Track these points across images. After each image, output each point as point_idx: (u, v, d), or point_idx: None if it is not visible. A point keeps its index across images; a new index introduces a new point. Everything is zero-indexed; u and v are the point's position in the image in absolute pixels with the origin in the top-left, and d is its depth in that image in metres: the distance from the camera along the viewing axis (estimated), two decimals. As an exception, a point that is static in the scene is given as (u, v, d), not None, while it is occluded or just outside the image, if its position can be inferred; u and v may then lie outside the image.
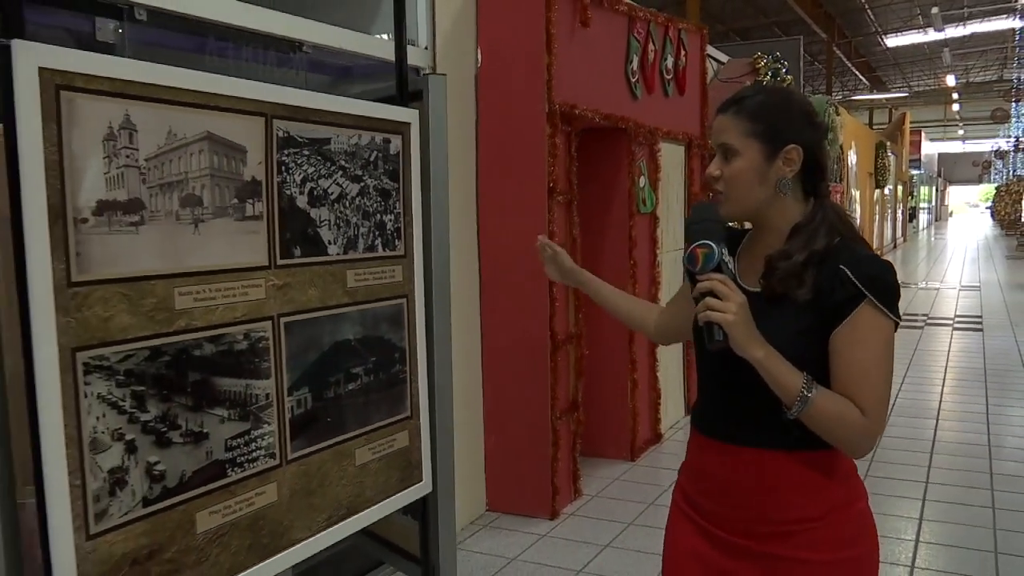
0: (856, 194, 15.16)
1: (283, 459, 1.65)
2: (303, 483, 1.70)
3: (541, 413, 4.05)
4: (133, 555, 1.36)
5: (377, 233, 1.88)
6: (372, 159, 1.85)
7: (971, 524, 3.86)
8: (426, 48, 3.76)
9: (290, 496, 1.67)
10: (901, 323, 1.41)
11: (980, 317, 10.57)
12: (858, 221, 15.63)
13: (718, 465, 1.52)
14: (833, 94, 23.75)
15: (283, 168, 1.62)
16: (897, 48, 26.18)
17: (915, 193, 31.20)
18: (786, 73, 7.76)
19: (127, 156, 1.33)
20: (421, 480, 2.05)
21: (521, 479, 4.13)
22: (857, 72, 28.13)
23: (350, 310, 1.81)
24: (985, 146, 47.36)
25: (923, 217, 37.21)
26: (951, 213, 57.10)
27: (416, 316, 2.01)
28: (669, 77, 5.28)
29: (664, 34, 5.16)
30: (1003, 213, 34.31)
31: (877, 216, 19.15)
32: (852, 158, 14.24)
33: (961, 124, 43.61)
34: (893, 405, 6.14)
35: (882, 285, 1.38)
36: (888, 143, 18.91)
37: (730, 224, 1.52)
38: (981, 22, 22.36)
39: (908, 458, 4.89)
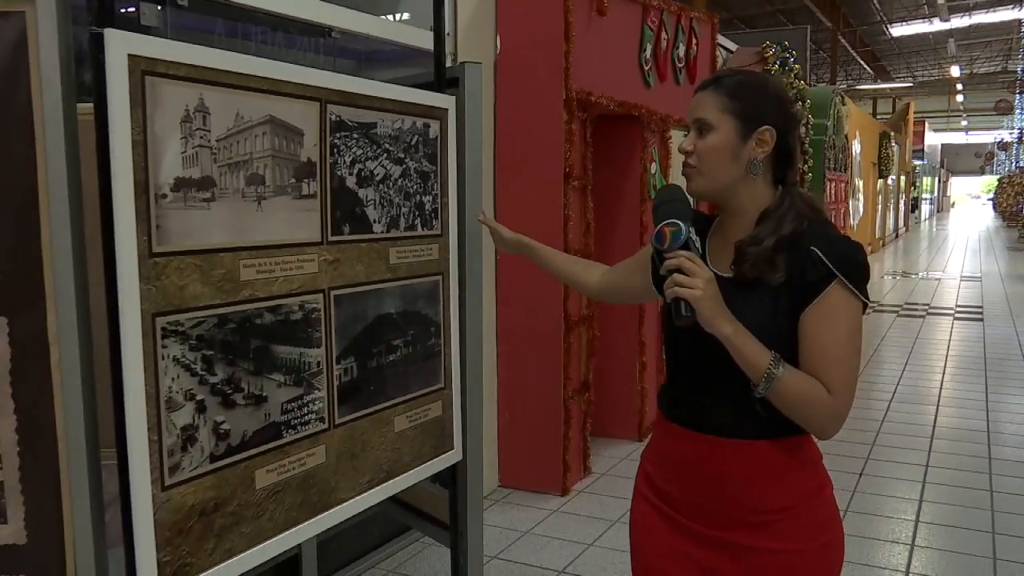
0: (859, 184, 15.22)
1: (331, 423, 1.76)
2: (348, 446, 1.82)
3: (554, 392, 4.16)
4: (201, 506, 1.48)
5: (416, 213, 1.98)
6: (413, 143, 1.95)
7: (969, 506, 3.99)
8: (448, 34, 3.85)
9: (336, 458, 1.78)
10: (869, 304, 1.42)
11: (981, 307, 10.68)
12: (860, 211, 15.71)
13: (687, 452, 1.49)
14: (837, 83, 23.76)
15: (335, 150, 1.72)
16: (902, 37, 26.16)
17: (917, 183, 31.23)
18: (794, 62, 7.83)
19: (201, 137, 1.43)
20: (452, 448, 2.16)
21: (533, 456, 4.25)
22: (862, 61, 28.12)
23: (392, 285, 1.92)
24: (988, 137, 47.34)
25: (925, 208, 37.26)
26: (953, 204, 57.11)
27: (450, 293, 2.11)
28: (681, 65, 5.36)
29: (676, 23, 5.25)
30: (1005, 204, 34.37)
31: (880, 206, 19.23)
32: (856, 148, 14.30)
33: (965, 115, 43.57)
34: (895, 390, 6.27)
35: (852, 265, 1.38)
36: (892, 133, 18.95)
37: (699, 210, 1.53)
38: (987, 12, 22.34)
39: (909, 442, 5.01)
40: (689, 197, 1.47)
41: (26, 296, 1.31)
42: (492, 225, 2.06)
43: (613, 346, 4.90)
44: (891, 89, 32.90)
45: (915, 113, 27.14)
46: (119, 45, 1.28)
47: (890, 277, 14.58)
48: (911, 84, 33.48)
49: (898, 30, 24.67)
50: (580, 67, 4.08)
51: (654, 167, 5.03)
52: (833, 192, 9.97)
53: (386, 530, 3.60)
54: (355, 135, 1.78)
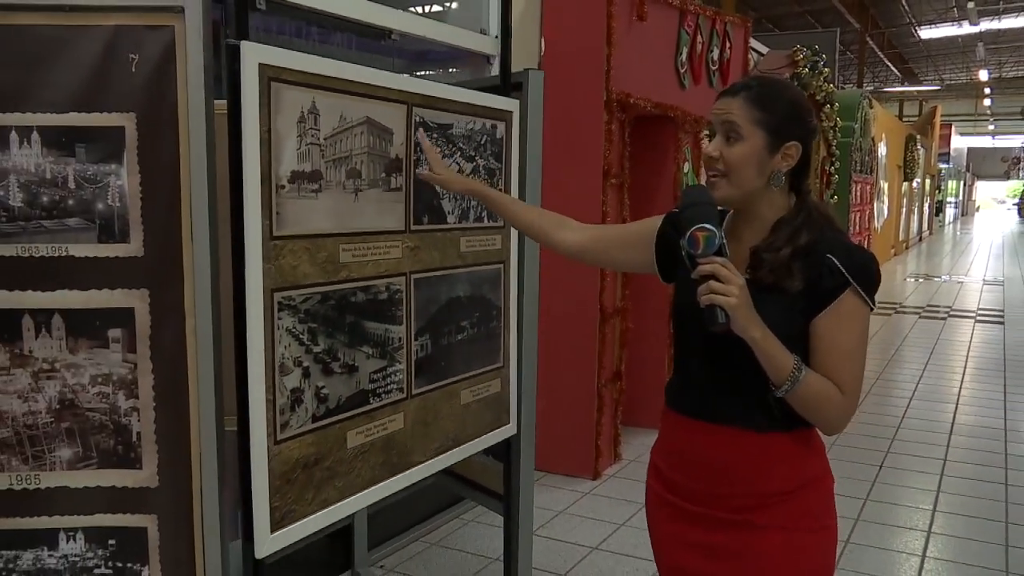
0: (884, 186, 15.27)
1: (409, 393, 1.96)
2: (421, 415, 2.01)
3: (588, 380, 4.35)
4: (304, 460, 1.68)
5: (483, 206, 2.17)
6: (482, 142, 2.14)
7: (985, 497, 4.14)
8: (496, 37, 4.04)
9: (412, 425, 1.98)
10: (874, 310, 1.46)
11: (1002, 311, 10.75)
12: (885, 213, 15.76)
13: (698, 444, 1.53)
14: (864, 84, 23.71)
15: (417, 148, 1.92)
16: (930, 40, 26.01)
17: (942, 187, 31.08)
18: (824, 66, 7.94)
19: (312, 135, 1.63)
20: (509, 423, 2.35)
21: (566, 441, 4.44)
22: (889, 63, 28.01)
23: (461, 271, 2.11)
24: (1015, 142, 46.90)
25: (949, 211, 37.03)
26: (978, 208, 56.61)
27: (510, 280, 2.30)
28: (715, 68, 5.52)
29: (711, 27, 5.40)
30: (1030, 210, 34.09)
31: (904, 209, 19.23)
32: (882, 150, 14.36)
33: (992, 119, 43.21)
34: (915, 389, 6.40)
35: (866, 274, 1.42)
36: (918, 136, 18.94)
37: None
38: (1017, 16, 22.21)
39: (928, 438, 5.16)
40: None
41: (167, 272, 1.51)
42: (437, 179, 1.83)
43: (642, 338, 5.07)
44: (918, 92, 32.73)
45: (942, 116, 27.03)
46: (252, 55, 1.48)
47: (912, 280, 14.64)
48: (939, 87, 33.29)
49: (927, 33, 24.55)
50: (620, 70, 4.26)
51: (687, 166, 5.20)
52: (858, 194, 10.07)
53: (428, 505, 3.80)
54: (435, 134, 1.97)
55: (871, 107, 10.96)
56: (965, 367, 7.26)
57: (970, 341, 8.53)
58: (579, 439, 4.41)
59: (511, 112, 2.25)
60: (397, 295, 1.90)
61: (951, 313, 10.48)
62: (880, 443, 5.00)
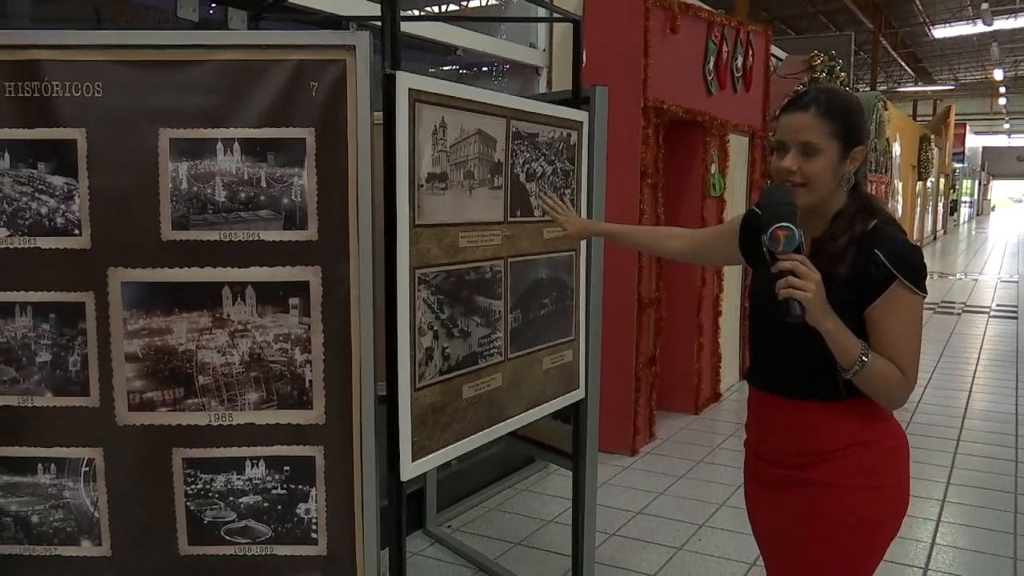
0: (899, 186, 15.57)
1: (505, 356, 2.36)
2: (514, 377, 2.42)
3: (627, 364, 4.75)
4: (432, 406, 2.08)
5: (560, 201, 2.57)
6: (560, 148, 2.54)
7: (995, 472, 4.52)
8: (544, 50, 4.45)
9: (507, 386, 2.38)
10: (927, 296, 1.61)
11: (1016, 307, 11.05)
12: (899, 213, 16.06)
13: (771, 414, 1.73)
14: (877, 85, 23.94)
15: (513, 154, 2.32)
16: (944, 39, 26.18)
17: (957, 186, 31.24)
18: (840, 70, 8.31)
19: (441, 144, 2.03)
20: (578, 387, 2.75)
21: (607, 420, 4.79)
22: (903, 63, 28.20)
23: (543, 257, 2.51)
24: (1030, 140, 46.92)
25: (964, 210, 37.14)
26: (993, 207, 56.52)
27: (580, 265, 2.70)
28: (739, 75, 5.91)
29: (736, 36, 5.79)
30: (1045, 209, 34.12)
31: (919, 208, 19.50)
32: (896, 150, 14.67)
33: (1007, 118, 43.25)
34: (929, 378, 6.76)
35: (911, 267, 1.56)
36: (932, 136, 19.20)
37: None
38: (1031, 16, 22.41)
39: (941, 421, 5.53)
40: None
41: (336, 253, 1.92)
42: (560, 219, 2.19)
43: (675, 328, 5.47)
44: (932, 91, 32.90)
45: (956, 115, 27.21)
46: (404, 82, 1.88)
47: (928, 277, 14.91)
48: (953, 86, 33.45)
49: (940, 32, 24.72)
50: (655, 79, 4.66)
51: (714, 168, 5.59)
52: (874, 193, 10.39)
53: (487, 475, 4.20)
54: (526, 143, 2.37)
55: (885, 108, 11.29)
56: (979, 358, 7.60)
57: (984, 335, 8.87)
58: (619, 418, 4.80)
59: (582, 122, 2.64)
60: (498, 275, 2.30)
61: (965, 308, 10.80)
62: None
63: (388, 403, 1.97)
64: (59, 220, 1.89)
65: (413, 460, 2.02)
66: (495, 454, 4.19)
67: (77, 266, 1.90)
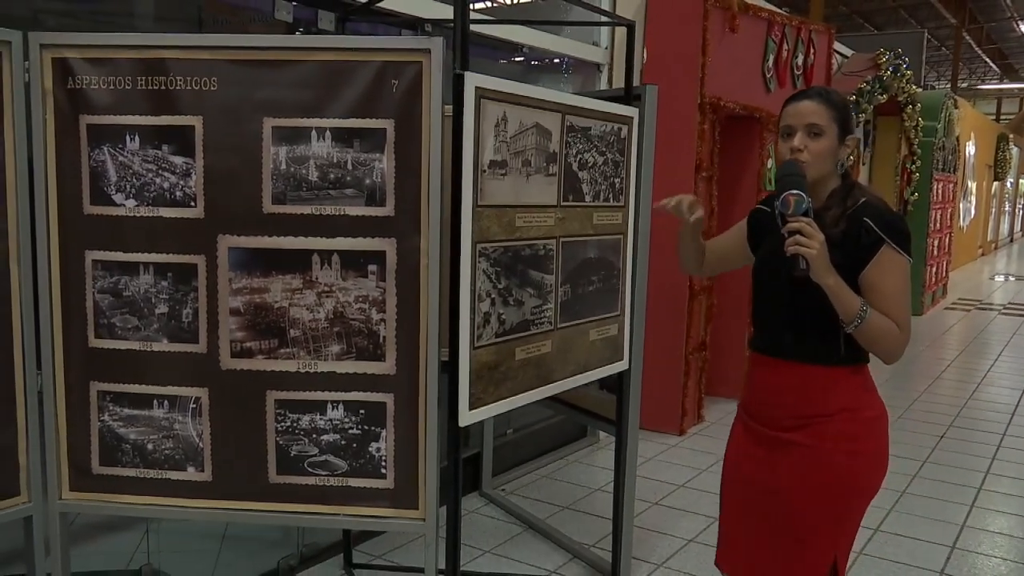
0: (972, 186, 15.29)
1: (555, 326, 2.65)
2: (563, 345, 2.70)
3: (677, 348, 4.98)
4: (488, 364, 2.38)
5: (610, 190, 2.83)
6: (611, 141, 2.81)
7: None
8: (605, 48, 4.70)
9: (556, 352, 2.67)
10: (912, 261, 1.82)
11: (1087, 311, 10.85)
12: (971, 213, 15.76)
13: (767, 375, 1.92)
14: (959, 82, 23.32)
15: (567, 145, 2.59)
16: (1032, 36, 25.39)
17: (1038, 188, 30.20)
18: (907, 68, 8.31)
19: (502, 136, 2.32)
20: (622, 359, 3.02)
21: (656, 401, 5.07)
22: (987, 59, 27.40)
23: (593, 239, 2.79)
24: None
25: (1045, 213, 35.82)
26: (1079, 211, 54.15)
27: (627, 248, 2.97)
28: (799, 73, 6.05)
29: (797, 35, 5.93)
30: None
31: (994, 209, 19.06)
32: (970, 149, 14.42)
33: (1097, 118, 41.46)
34: (984, 376, 6.79)
35: (897, 231, 1.78)
36: (1011, 135, 18.72)
37: None
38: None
39: (990, 416, 5.62)
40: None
41: (409, 227, 2.23)
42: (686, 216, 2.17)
43: (725, 316, 5.67)
44: (1019, 89, 31.85)
45: (1040, 115, 26.31)
46: (471, 81, 2.18)
47: (1000, 278, 14.67)
48: (1039, 84, 32.30)
49: (1028, 27, 23.96)
50: (713, 76, 4.87)
51: (770, 163, 5.76)
52: (940, 192, 10.33)
53: (538, 446, 4.50)
54: (579, 135, 2.65)
55: (956, 107, 11.16)
56: (1038, 359, 7.59)
57: (1049, 337, 8.79)
58: (668, 400, 5.05)
59: (632, 118, 2.90)
60: (550, 253, 2.58)
61: (1033, 311, 10.65)
62: (944, 419, 5.49)
63: (450, 358, 2.27)
64: (178, 194, 2.24)
65: (470, 409, 2.32)
66: (548, 427, 4.48)
67: (192, 233, 2.25)
